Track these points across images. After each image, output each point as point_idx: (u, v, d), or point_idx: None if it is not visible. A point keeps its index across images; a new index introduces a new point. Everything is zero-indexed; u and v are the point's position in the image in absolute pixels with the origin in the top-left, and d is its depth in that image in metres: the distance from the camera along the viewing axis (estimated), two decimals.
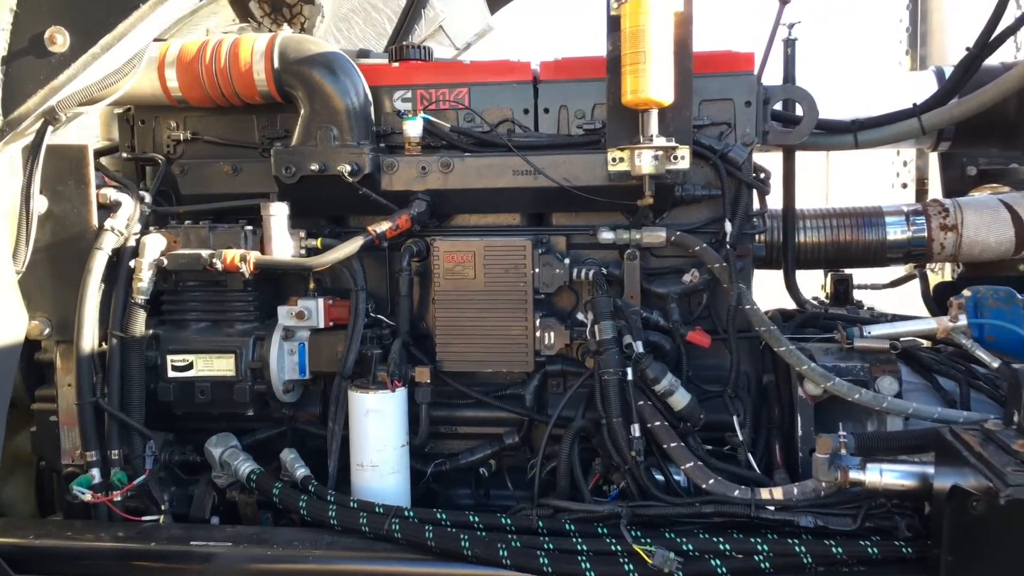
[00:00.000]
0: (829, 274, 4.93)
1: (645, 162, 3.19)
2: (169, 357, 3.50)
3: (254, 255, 3.35)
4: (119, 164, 3.91)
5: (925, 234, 4.24)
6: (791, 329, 3.78)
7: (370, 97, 3.54)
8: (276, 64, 3.42)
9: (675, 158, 3.23)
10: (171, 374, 3.50)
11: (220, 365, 3.48)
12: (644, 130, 3.20)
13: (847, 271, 4.83)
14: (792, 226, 4.22)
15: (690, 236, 3.39)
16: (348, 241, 3.40)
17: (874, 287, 5.25)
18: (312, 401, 3.74)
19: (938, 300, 4.73)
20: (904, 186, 5.76)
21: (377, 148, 3.52)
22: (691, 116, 3.30)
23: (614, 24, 3.25)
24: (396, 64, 3.71)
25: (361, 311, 3.45)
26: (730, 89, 3.49)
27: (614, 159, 3.30)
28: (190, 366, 3.50)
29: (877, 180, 6.04)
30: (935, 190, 5.18)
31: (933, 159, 5.12)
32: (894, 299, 5.23)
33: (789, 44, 4.17)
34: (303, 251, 3.50)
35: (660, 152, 3.18)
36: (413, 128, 3.50)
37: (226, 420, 3.64)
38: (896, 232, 4.34)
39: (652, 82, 3.11)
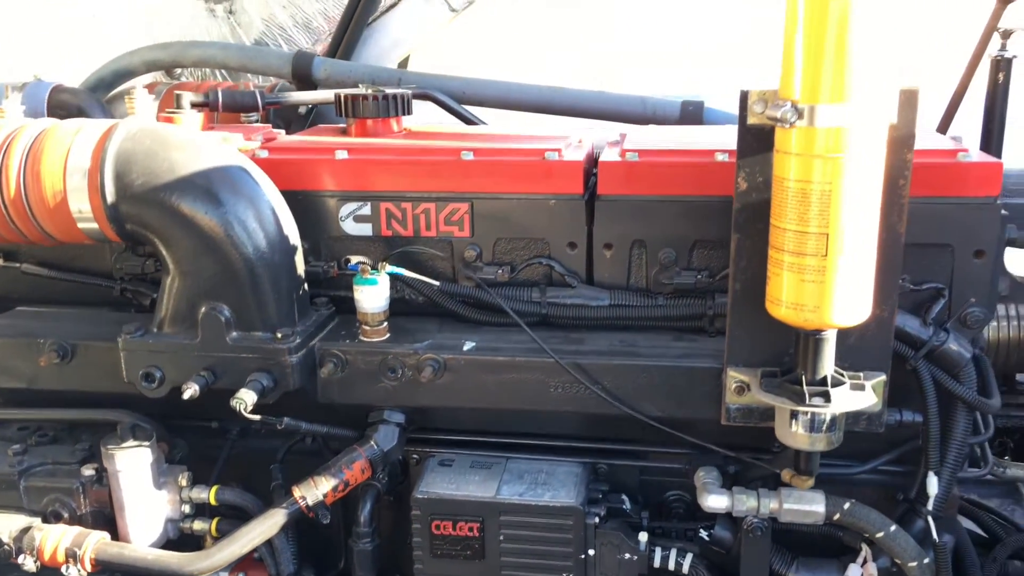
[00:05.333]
0: None
1: (806, 429, 1.66)
2: None
3: (93, 545, 1.90)
4: None
5: None
6: (994, 573, 2.34)
7: (293, 237, 1.97)
8: (109, 193, 1.83)
9: (857, 389, 1.71)
10: None
11: None
12: (807, 364, 1.65)
13: None
14: None
15: (870, 512, 1.90)
16: (258, 519, 1.92)
17: None
18: None
19: None
20: None
21: (310, 327, 1.98)
22: (893, 318, 1.73)
23: (754, 140, 1.64)
24: (343, 152, 2.09)
25: None
26: (950, 227, 1.90)
27: (739, 388, 1.77)
28: None
29: None
30: None
31: None
32: None
33: (1003, 65, 2.53)
34: (186, 508, 2.02)
35: (837, 415, 1.65)
36: (371, 299, 1.95)
37: None
38: None
39: (837, 295, 1.54)
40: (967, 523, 2.59)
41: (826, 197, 1.50)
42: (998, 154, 2.61)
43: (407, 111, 2.32)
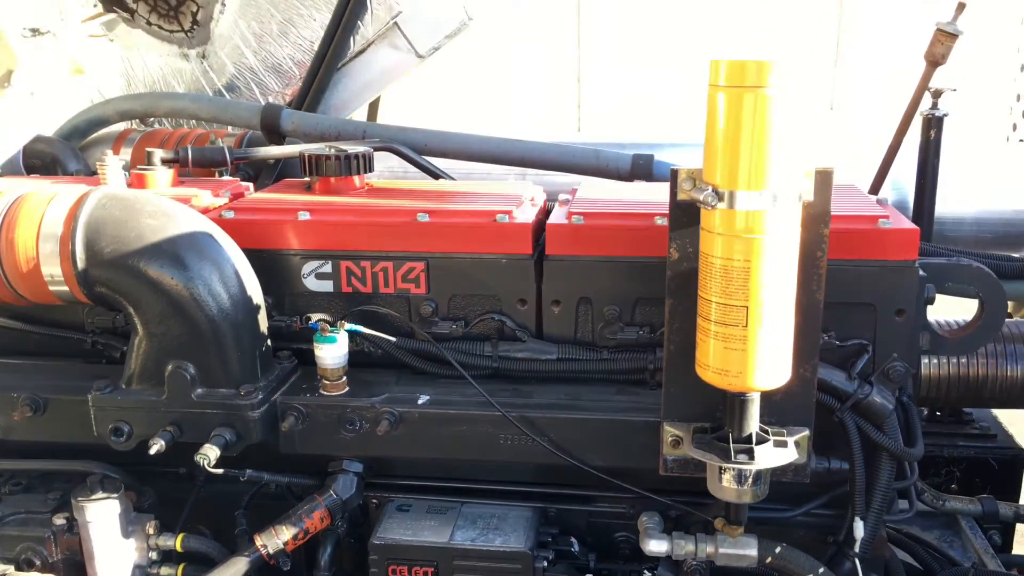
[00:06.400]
0: None
1: (734, 484, 1.79)
2: None
3: None
4: None
5: None
6: None
7: (256, 297, 2.08)
8: (80, 260, 1.94)
9: (780, 446, 1.83)
10: None
11: None
12: (734, 423, 1.78)
13: None
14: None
15: (800, 556, 2.02)
16: (222, 567, 2.02)
17: None
18: None
19: None
20: None
21: (273, 382, 2.09)
22: (815, 376, 1.87)
23: (684, 215, 1.77)
24: (305, 213, 2.20)
25: None
26: (873, 288, 2.03)
27: (674, 441, 1.90)
28: None
29: None
30: None
31: None
32: None
33: (934, 123, 2.67)
34: (153, 555, 2.12)
35: (762, 470, 1.78)
36: (330, 356, 2.06)
37: None
38: None
39: (758, 363, 1.67)
40: (904, 556, 2.72)
41: (745, 273, 1.63)
42: (931, 206, 2.76)
43: (368, 169, 2.44)
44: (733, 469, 1.77)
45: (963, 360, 3.07)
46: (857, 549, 2.05)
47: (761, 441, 1.78)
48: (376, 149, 2.63)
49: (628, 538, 2.24)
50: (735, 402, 1.76)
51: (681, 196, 1.74)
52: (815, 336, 1.83)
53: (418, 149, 2.81)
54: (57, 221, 1.94)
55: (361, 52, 3.63)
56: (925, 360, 3.07)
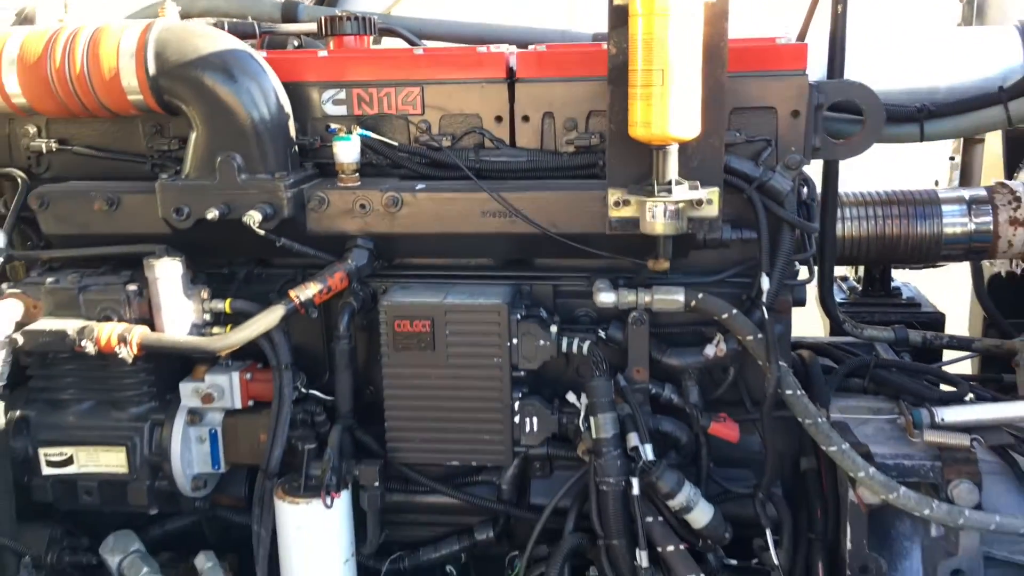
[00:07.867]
0: None
1: (659, 218, 2.33)
2: (42, 451, 2.72)
3: (138, 333, 2.51)
4: None
5: (991, 228, 3.42)
6: (835, 384, 3.00)
7: (287, 107, 2.62)
8: (151, 68, 2.48)
9: (699, 203, 2.38)
10: (47, 471, 2.73)
11: (108, 459, 2.71)
12: (659, 173, 2.33)
13: None
14: (832, 219, 3.30)
15: (717, 300, 2.56)
16: (263, 312, 2.56)
17: (912, 266, 4.40)
18: (236, 481, 2.97)
19: (995, 296, 3.94)
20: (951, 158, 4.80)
21: (300, 178, 2.63)
22: (722, 145, 2.42)
23: (618, 16, 2.32)
24: (323, 52, 2.75)
25: (287, 396, 2.65)
26: (772, 94, 2.58)
27: (616, 202, 2.44)
28: (70, 460, 2.72)
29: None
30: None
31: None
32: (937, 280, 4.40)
33: None
34: (207, 316, 2.65)
35: (680, 205, 2.32)
36: (346, 152, 2.60)
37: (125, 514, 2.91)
38: (955, 225, 3.52)
39: (672, 113, 2.22)
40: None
41: (662, 43, 2.18)
42: (840, 74, 3.30)
43: (375, 31, 2.99)
44: (657, 205, 2.31)
45: (878, 222, 3.61)
46: (764, 299, 2.58)
47: (679, 184, 2.33)
48: (379, 30, 3.18)
49: (587, 313, 2.77)
50: (659, 155, 2.31)
51: (617, 2, 2.30)
52: (722, 110, 2.37)
53: (416, 33, 3.37)
54: (132, 41, 2.49)
55: None
56: (848, 223, 3.61)
